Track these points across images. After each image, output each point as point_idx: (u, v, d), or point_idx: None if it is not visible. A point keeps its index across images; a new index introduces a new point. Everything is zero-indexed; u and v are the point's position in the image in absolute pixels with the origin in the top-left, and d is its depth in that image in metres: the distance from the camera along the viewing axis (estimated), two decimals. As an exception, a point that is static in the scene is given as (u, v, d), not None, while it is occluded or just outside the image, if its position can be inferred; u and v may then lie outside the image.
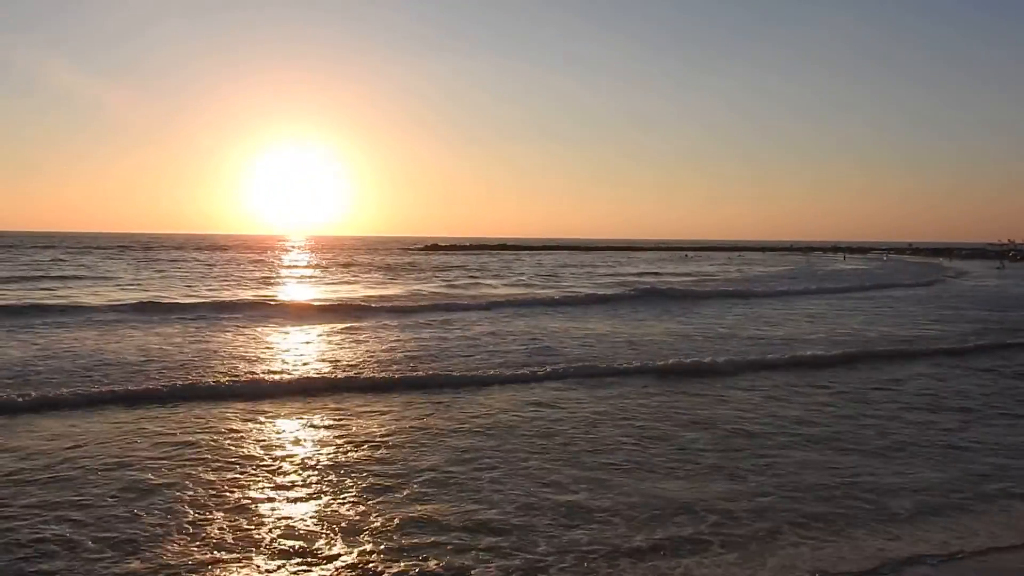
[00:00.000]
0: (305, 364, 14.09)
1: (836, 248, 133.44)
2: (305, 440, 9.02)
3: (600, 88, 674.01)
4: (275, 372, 13.08)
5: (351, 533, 6.16)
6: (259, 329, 19.03)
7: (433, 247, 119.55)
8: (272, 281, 40.80)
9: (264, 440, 8.95)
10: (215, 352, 15.16)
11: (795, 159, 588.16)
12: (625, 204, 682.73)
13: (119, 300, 25.60)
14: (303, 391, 11.76)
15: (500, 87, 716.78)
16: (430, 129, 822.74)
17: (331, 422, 9.83)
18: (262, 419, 9.95)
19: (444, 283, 40.50)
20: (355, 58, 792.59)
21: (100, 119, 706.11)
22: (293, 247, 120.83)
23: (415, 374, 12.98)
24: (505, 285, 39.06)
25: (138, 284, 35.44)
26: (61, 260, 57.94)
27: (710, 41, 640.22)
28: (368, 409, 10.56)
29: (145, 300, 25.01)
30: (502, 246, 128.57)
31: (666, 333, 19.20)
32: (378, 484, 7.34)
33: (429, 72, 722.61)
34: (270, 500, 6.94)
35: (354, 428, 9.51)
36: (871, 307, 26.84)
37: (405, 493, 7.09)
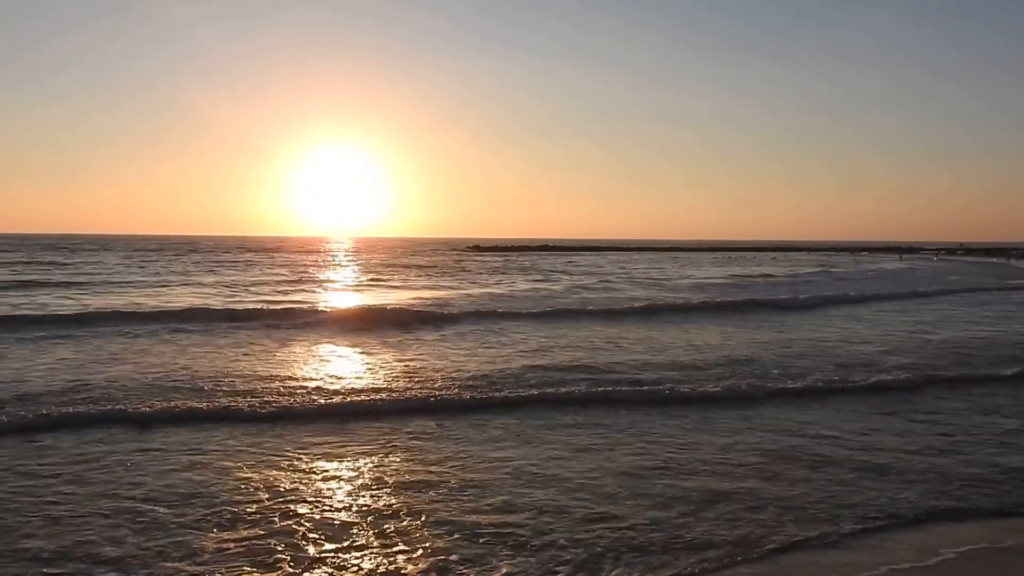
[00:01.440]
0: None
1: (884, 248, 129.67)
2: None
3: (634, 87, 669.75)
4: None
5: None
6: (365, 339, 17.33)
7: (475, 248, 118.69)
8: (345, 284, 39.20)
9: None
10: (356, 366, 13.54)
11: (828, 157, 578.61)
12: (657, 204, 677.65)
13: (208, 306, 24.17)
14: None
15: (536, 87, 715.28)
16: (468, 130, 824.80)
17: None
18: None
19: (532, 283, 38.31)
20: (394, 61, 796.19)
21: (144, 123, 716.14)
22: (342, 249, 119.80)
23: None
24: (596, 290, 36.27)
25: (213, 287, 34.20)
26: (126, 263, 57.24)
27: (743, 39, 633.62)
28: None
29: (239, 308, 23.47)
30: (544, 247, 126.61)
31: (850, 339, 17.74)
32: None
33: (466, 73, 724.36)
34: None
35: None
36: (995, 311, 24.83)
37: None
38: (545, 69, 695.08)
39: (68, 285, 33.12)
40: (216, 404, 10.41)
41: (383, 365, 13.79)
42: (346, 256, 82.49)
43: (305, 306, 24.17)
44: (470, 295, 31.04)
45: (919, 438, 9.15)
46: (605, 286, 36.99)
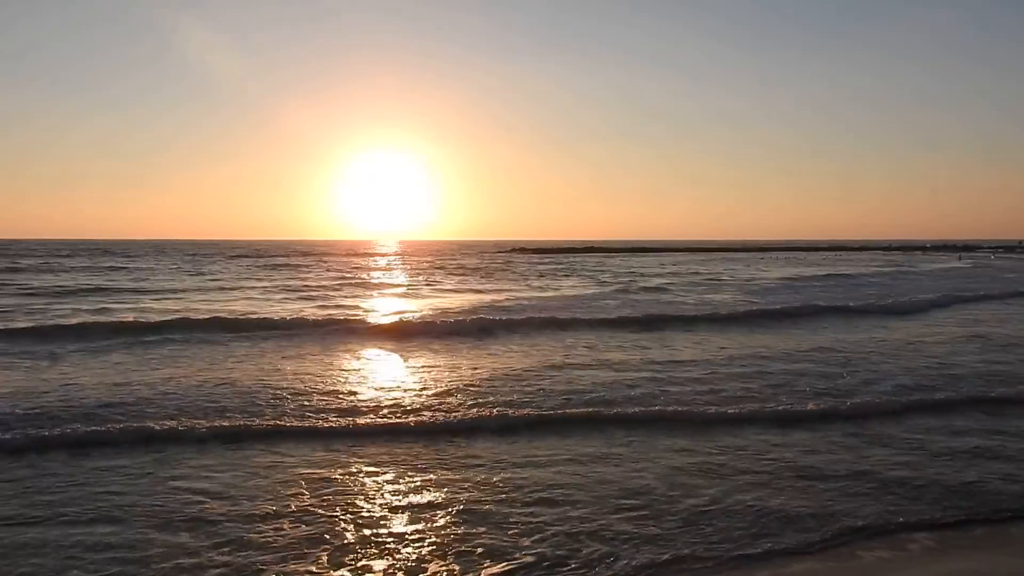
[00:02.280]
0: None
1: (939, 247, 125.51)
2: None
3: (679, 86, 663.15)
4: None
5: None
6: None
7: (520, 250, 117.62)
8: (408, 289, 38.37)
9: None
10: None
11: (876, 155, 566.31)
12: (702, 204, 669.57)
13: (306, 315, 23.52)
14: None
15: (581, 88, 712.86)
16: (513, 132, 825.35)
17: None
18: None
19: (601, 286, 36.83)
20: (441, 64, 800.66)
21: (197, 129, 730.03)
22: (391, 252, 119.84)
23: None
24: (673, 291, 34.64)
25: (275, 292, 33.66)
26: (184, 267, 57.41)
27: (789, 36, 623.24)
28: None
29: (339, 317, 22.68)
30: (589, 248, 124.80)
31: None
32: None
33: (512, 75, 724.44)
34: None
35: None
36: None
37: None
38: (591, 70, 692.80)
39: (134, 291, 32.91)
40: (309, 421, 9.71)
41: (477, 376, 12.73)
42: (396, 260, 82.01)
43: (365, 314, 23.39)
44: (541, 297, 30.05)
45: None
46: (686, 288, 35.66)
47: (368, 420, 9.70)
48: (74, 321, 20.05)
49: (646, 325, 20.17)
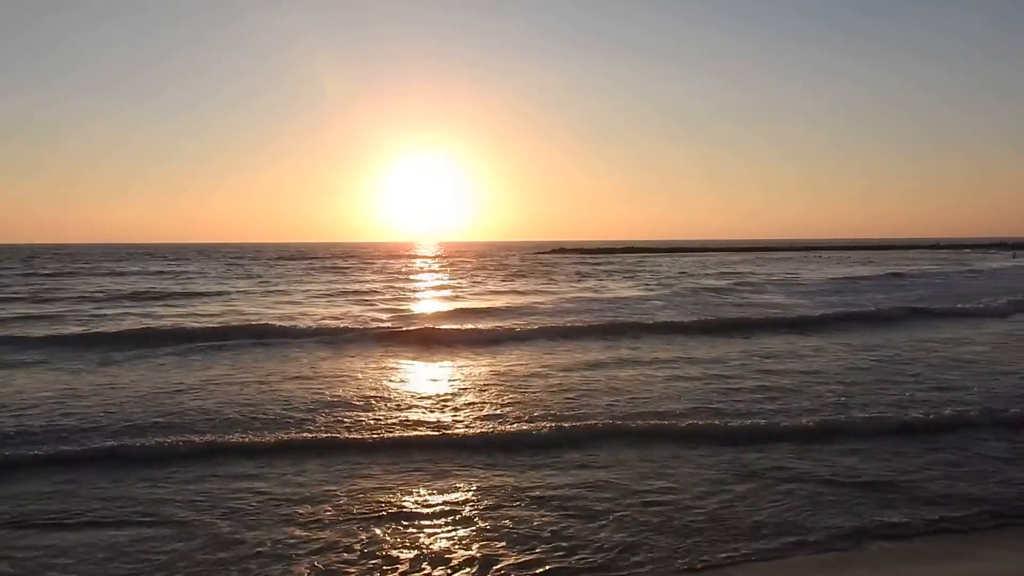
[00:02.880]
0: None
1: (983, 245, 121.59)
2: None
3: (709, 87, 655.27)
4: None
5: None
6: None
7: (560, 250, 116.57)
8: (463, 292, 37.76)
9: None
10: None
11: (906, 153, 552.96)
12: (739, 203, 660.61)
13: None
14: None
15: (618, 90, 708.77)
16: (551, 134, 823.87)
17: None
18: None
19: (661, 287, 35.65)
20: (477, 67, 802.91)
21: (241, 135, 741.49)
22: (434, 254, 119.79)
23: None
24: (735, 292, 33.49)
25: (327, 296, 33.38)
26: (260, 273, 57.74)
27: (822, 35, 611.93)
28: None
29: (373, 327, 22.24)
30: (628, 248, 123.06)
31: None
32: None
33: (549, 78, 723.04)
34: None
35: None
36: None
37: None
38: (627, 72, 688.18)
39: (187, 295, 32.94)
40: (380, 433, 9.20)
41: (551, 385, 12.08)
42: (443, 262, 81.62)
43: (422, 319, 22.96)
44: (612, 299, 29.26)
45: None
46: (737, 289, 34.59)
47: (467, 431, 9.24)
48: (130, 326, 19.94)
49: (735, 329, 19.26)
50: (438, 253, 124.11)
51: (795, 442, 8.71)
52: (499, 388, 11.90)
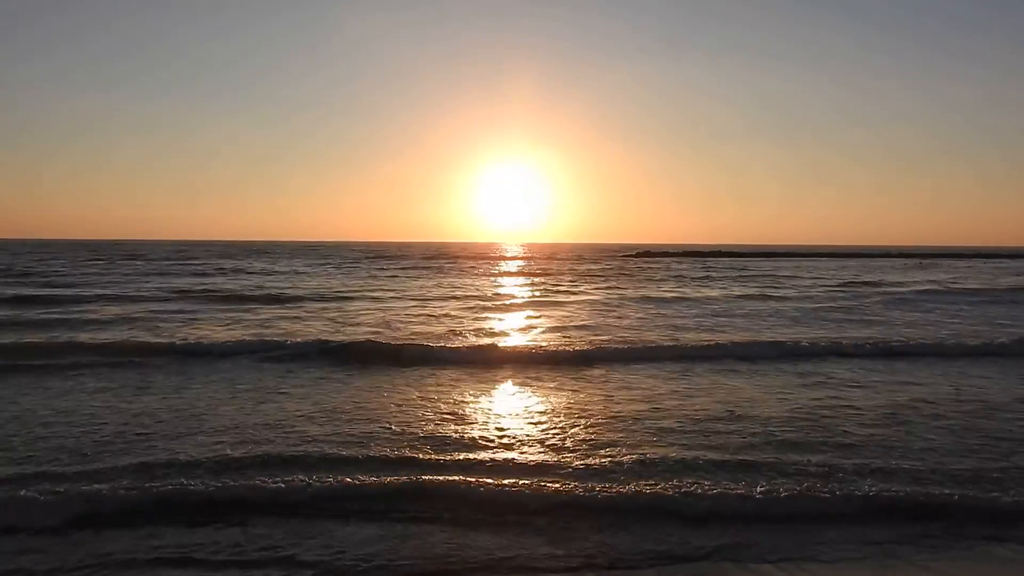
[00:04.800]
0: None
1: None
2: None
3: (813, 85, 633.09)
4: None
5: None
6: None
7: (646, 253, 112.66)
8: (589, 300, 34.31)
9: None
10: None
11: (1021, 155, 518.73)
12: (837, 207, 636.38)
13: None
14: None
15: (709, 88, 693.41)
16: (639, 134, 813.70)
17: None
18: None
19: (785, 299, 30.74)
20: (573, 68, 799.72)
21: (337, 140, 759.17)
22: (526, 255, 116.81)
23: None
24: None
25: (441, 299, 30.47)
26: (380, 272, 55.95)
27: (927, 34, 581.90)
28: None
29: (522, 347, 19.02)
30: (717, 252, 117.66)
31: None
32: None
33: (642, 76, 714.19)
34: None
35: None
36: None
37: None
38: (719, 69, 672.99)
39: (296, 298, 30.50)
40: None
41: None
42: (537, 264, 78.20)
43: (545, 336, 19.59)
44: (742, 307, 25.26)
45: None
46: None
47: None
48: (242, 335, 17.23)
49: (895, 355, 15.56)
50: (529, 254, 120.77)
51: None
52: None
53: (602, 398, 11.43)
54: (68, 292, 31.00)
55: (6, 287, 33.20)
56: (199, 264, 63.59)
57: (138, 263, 64.17)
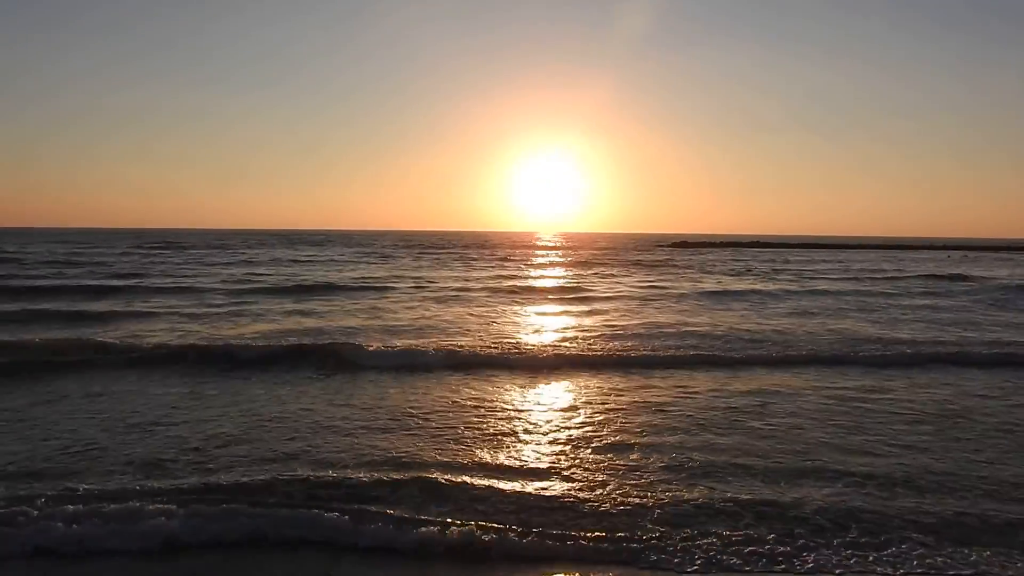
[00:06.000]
0: None
1: None
2: None
3: (860, 76, 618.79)
4: None
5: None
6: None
7: (682, 244, 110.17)
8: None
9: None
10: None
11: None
12: (880, 199, 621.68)
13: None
14: None
15: (754, 78, 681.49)
16: (682, 123, 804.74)
17: None
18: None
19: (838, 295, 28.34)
20: (607, 55, 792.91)
21: (378, 130, 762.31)
22: (563, 245, 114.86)
23: None
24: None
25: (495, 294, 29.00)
26: (422, 261, 54.89)
27: (975, 24, 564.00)
28: None
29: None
30: (755, 243, 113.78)
31: None
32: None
33: (680, 64, 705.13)
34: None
35: None
36: None
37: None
38: (760, 58, 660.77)
39: (338, 288, 29.24)
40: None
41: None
42: (574, 254, 76.17)
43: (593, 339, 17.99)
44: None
45: None
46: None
47: None
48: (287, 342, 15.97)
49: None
50: (565, 244, 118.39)
51: None
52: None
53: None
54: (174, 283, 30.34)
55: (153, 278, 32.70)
56: (275, 252, 63.11)
57: (245, 252, 63.60)
